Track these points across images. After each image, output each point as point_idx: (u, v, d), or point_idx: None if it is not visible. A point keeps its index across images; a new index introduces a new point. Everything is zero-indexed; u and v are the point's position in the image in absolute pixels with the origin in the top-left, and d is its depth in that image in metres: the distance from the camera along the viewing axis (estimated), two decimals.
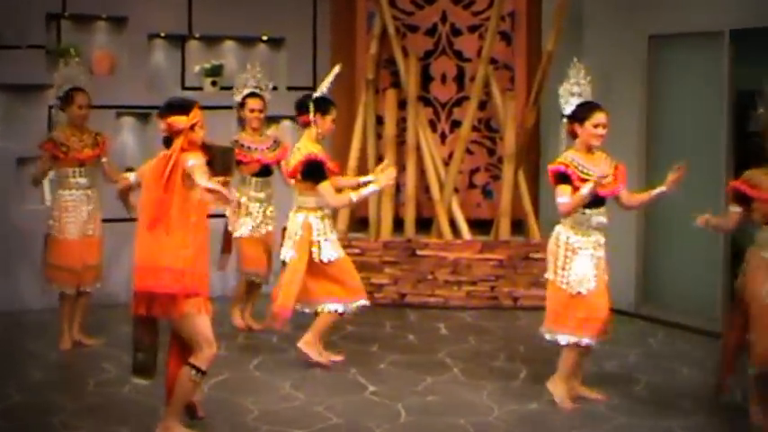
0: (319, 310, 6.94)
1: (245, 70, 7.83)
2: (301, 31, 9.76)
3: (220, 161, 5.12)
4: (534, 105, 9.21)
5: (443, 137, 10.00)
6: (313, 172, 6.66)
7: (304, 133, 6.77)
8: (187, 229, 5.11)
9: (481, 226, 9.54)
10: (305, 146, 6.64)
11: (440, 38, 9.90)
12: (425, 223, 9.47)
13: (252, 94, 7.76)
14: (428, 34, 9.87)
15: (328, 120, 6.76)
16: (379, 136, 9.74)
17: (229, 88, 8.52)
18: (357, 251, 8.98)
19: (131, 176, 5.51)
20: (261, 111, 7.70)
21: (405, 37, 9.83)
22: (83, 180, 7.31)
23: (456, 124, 9.89)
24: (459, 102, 9.94)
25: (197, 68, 9.52)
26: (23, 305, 8.53)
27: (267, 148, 7.75)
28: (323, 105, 6.74)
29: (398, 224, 9.47)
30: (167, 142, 5.24)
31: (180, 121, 5.12)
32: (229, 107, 8.38)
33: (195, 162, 4.99)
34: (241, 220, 7.68)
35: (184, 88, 9.49)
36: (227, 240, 7.85)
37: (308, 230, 6.71)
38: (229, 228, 7.68)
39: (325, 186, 6.60)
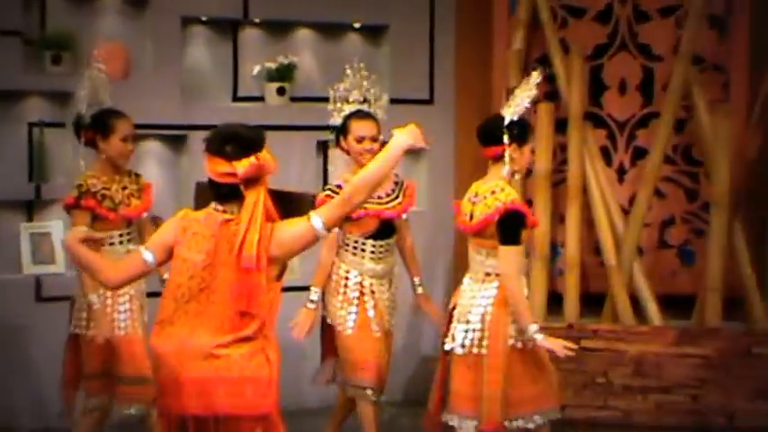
0: (540, 422, 6.03)
1: (345, 75, 6.59)
2: (412, 17, 8.72)
3: (296, 215, 4.42)
4: (760, 125, 8.40)
5: (622, 172, 8.82)
6: (512, 228, 5.85)
7: (490, 170, 6.02)
8: (272, 321, 4.51)
9: (678, 305, 8.44)
10: (501, 188, 5.86)
11: (617, 25, 8.86)
12: (595, 301, 8.44)
13: (360, 114, 6.46)
14: (600, 20, 8.84)
15: (526, 152, 5.95)
16: (528, 171, 7.93)
17: (305, 99, 8.08)
18: None
19: (150, 259, 4.53)
20: (374, 139, 6.49)
21: (565, 25, 8.84)
22: (132, 246, 6.25)
23: (641, 153, 8.72)
24: (646, 120, 8.78)
25: (256, 69, 8.32)
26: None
27: (387, 195, 6.56)
28: (520, 132, 5.91)
29: (554, 302, 8.52)
30: (226, 192, 4.38)
31: (270, 159, 4.36)
32: (306, 128, 7.87)
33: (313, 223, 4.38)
34: (349, 308, 6.46)
35: (236, 99, 8.31)
36: (330, 338, 6.63)
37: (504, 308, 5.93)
38: (328, 319, 6.51)
39: (514, 252, 5.84)
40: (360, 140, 6.41)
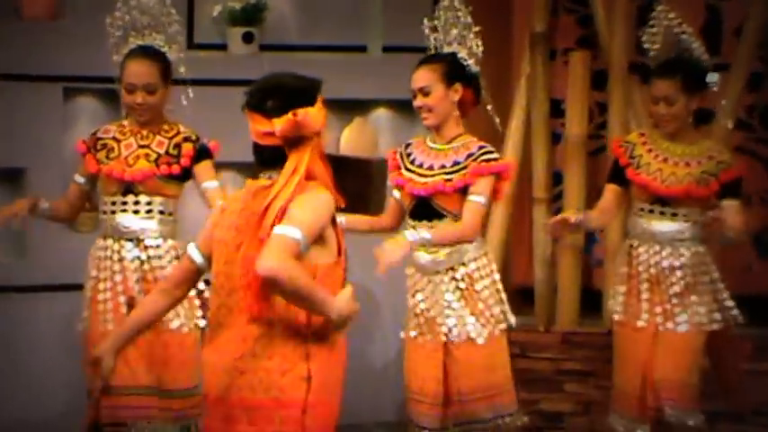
0: None
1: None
2: None
3: (367, 189, 4.16)
4: None
5: None
6: (739, 188, 5.94)
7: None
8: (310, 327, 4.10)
9: (754, 308, 7.21)
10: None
11: None
12: None
13: (430, 58, 5.67)
14: None
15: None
16: (556, 136, 7.93)
17: (277, 48, 7.45)
18: (515, 351, 7.04)
19: (196, 256, 4.17)
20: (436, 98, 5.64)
21: None
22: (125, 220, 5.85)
23: (703, 116, 7.22)
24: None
25: (216, 9, 7.63)
26: None
27: (441, 167, 5.75)
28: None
29: (590, 301, 7.84)
30: (267, 157, 4.10)
31: (314, 116, 4.04)
32: None
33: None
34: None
35: (192, 46, 7.43)
36: None
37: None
38: None
39: (740, 207, 5.94)
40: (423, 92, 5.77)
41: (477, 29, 5.78)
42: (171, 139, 5.80)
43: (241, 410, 4.09)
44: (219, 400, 4.17)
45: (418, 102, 5.47)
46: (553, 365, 7.79)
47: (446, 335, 5.58)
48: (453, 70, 5.57)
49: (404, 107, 7.23)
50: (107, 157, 5.72)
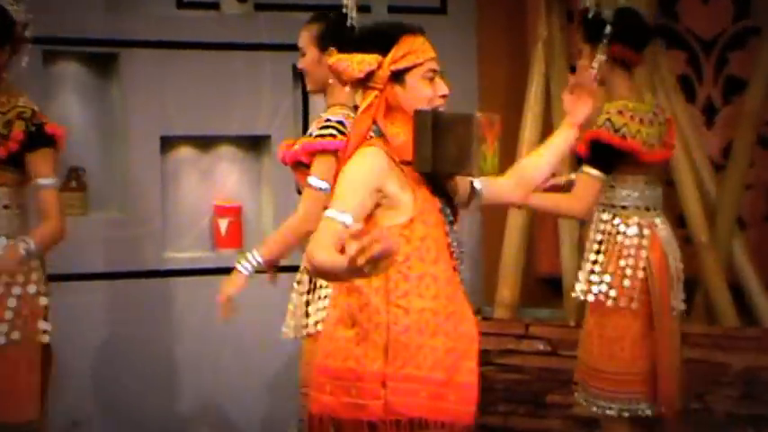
0: None
1: None
2: None
3: (468, 147, 3.90)
4: None
5: (710, 112, 7.52)
6: None
7: None
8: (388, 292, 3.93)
9: None
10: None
11: None
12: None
13: (313, 17, 5.29)
14: None
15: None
16: None
17: (274, 7, 7.04)
18: (539, 348, 7.22)
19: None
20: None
21: None
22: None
23: (736, 85, 7.37)
24: (742, 38, 7.46)
25: None
26: None
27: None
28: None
29: None
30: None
31: (340, 63, 3.89)
32: (278, 47, 6.89)
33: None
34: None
35: (181, 5, 7.09)
36: None
37: None
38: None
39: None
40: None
41: None
42: (5, 114, 5.08)
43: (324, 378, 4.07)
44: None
45: (299, 63, 5.12)
46: None
47: None
48: (330, 33, 5.10)
49: None
50: None
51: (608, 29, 5.40)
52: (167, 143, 6.74)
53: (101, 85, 6.95)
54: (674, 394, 5.49)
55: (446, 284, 3.83)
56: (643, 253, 5.41)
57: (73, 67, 6.92)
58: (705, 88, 7.42)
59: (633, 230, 5.42)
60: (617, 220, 5.45)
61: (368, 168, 3.78)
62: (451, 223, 3.89)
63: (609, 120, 5.30)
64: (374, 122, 3.84)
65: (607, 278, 5.34)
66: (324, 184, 4.66)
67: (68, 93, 6.85)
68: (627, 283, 5.38)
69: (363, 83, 3.86)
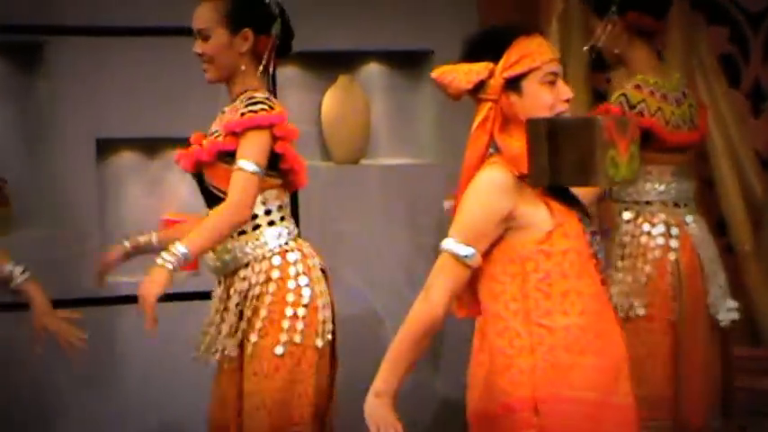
0: None
1: None
2: None
3: (592, 155, 3.75)
4: None
5: (758, 98, 6.97)
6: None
7: None
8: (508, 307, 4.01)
9: None
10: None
11: None
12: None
13: None
14: None
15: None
16: (598, 95, 6.93)
17: None
18: None
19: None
20: None
21: None
22: None
23: None
24: None
25: None
26: None
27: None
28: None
29: None
30: None
31: (443, 75, 3.90)
32: None
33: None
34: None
35: None
36: None
37: None
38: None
39: None
40: None
41: None
42: None
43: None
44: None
45: (197, 47, 4.77)
46: None
47: None
48: (241, 11, 4.77)
49: (401, 61, 6.75)
50: None
51: None
52: (105, 147, 6.27)
53: (24, 80, 6.44)
54: (701, 424, 5.17)
55: (592, 300, 3.76)
56: (671, 256, 5.07)
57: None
58: (752, 70, 6.97)
59: (659, 230, 5.09)
60: (640, 219, 5.14)
61: (494, 196, 3.76)
62: (594, 233, 3.85)
63: (624, 95, 4.97)
64: (491, 137, 3.81)
65: (630, 287, 5.09)
66: (256, 167, 4.41)
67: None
68: (653, 291, 5.09)
69: (474, 94, 3.84)
